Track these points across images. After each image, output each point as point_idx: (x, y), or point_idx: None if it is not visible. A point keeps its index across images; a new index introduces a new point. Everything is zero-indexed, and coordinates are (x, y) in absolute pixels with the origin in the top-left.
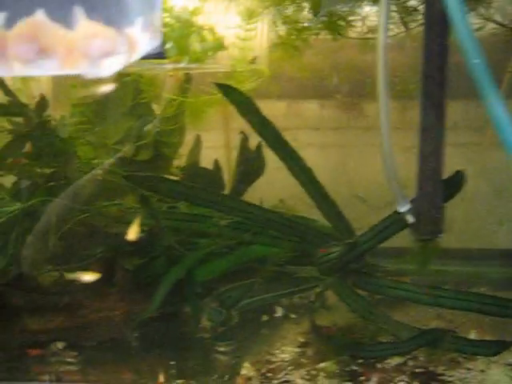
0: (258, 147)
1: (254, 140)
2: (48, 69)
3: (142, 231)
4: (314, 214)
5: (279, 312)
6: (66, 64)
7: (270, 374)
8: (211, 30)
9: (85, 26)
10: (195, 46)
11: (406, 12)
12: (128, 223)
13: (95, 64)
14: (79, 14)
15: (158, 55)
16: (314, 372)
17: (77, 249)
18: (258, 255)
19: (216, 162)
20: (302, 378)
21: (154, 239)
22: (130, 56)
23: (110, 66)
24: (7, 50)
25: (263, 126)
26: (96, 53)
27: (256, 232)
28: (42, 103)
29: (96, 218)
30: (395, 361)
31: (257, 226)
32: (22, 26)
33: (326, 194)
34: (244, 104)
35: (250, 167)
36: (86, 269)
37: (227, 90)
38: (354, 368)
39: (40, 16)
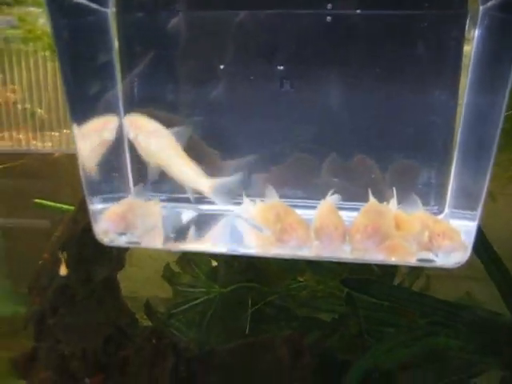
0: None
1: None
2: (380, 257)
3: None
4: None
5: None
6: (400, 253)
7: None
8: None
9: (424, 218)
10: None
11: None
12: (317, 308)
13: (434, 255)
14: (417, 202)
15: None
16: None
17: (263, 328)
18: (442, 347)
19: None
20: None
21: (343, 325)
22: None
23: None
24: (352, 240)
25: None
26: (442, 250)
27: (442, 324)
28: None
29: (284, 299)
30: None
31: (443, 319)
32: (363, 216)
33: None
34: None
35: None
36: (271, 349)
37: None
38: None
39: (373, 200)
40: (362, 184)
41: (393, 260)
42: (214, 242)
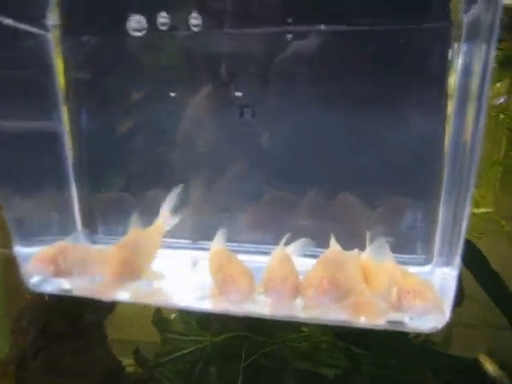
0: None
1: None
2: (341, 317)
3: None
4: None
5: None
6: (365, 313)
7: None
8: None
9: (392, 269)
10: None
11: None
12: (317, 362)
13: (406, 317)
14: (385, 247)
15: None
16: None
17: (259, 382)
18: None
19: None
20: None
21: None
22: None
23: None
24: (305, 295)
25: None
26: (412, 312)
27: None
28: None
29: (284, 351)
30: None
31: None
32: (320, 266)
33: None
34: None
35: None
36: None
37: None
38: None
39: (335, 247)
40: (338, 228)
41: (358, 322)
42: (165, 294)
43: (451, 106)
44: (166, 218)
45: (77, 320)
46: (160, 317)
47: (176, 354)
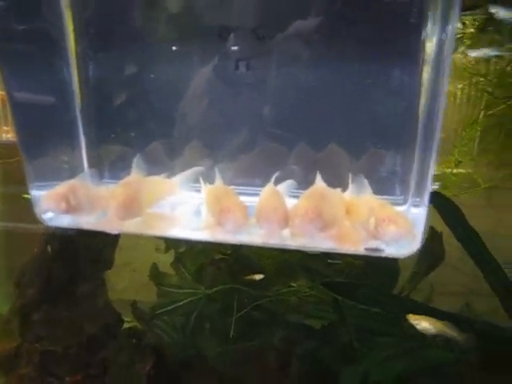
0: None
1: None
2: (325, 244)
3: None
4: None
5: None
6: (346, 241)
7: None
8: None
9: (371, 201)
10: None
11: None
12: (306, 314)
13: (383, 244)
14: (365, 184)
15: None
16: None
17: (252, 333)
18: (438, 360)
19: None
20: None
21: (333, 334)
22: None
23: (398, 249)
24: (292, 224)
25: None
26: (387, 237)
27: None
28: None
29: (274, 304)
30: None
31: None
32: (306, 199)
33: None
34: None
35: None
36: (259, 354)
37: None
38: None
39: (320, 183)
40: (326, 172)
41: (340, 249)
42: (165, 227)
43: (426, 72)
44: (176, 183)
45: (77, 273)
46: (156, 271)
47: (171, 307)
